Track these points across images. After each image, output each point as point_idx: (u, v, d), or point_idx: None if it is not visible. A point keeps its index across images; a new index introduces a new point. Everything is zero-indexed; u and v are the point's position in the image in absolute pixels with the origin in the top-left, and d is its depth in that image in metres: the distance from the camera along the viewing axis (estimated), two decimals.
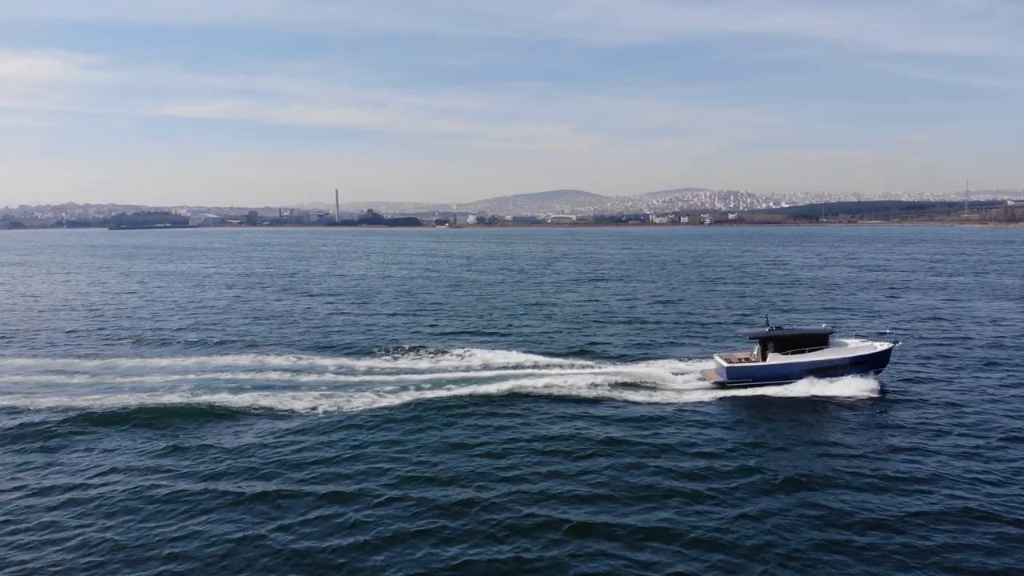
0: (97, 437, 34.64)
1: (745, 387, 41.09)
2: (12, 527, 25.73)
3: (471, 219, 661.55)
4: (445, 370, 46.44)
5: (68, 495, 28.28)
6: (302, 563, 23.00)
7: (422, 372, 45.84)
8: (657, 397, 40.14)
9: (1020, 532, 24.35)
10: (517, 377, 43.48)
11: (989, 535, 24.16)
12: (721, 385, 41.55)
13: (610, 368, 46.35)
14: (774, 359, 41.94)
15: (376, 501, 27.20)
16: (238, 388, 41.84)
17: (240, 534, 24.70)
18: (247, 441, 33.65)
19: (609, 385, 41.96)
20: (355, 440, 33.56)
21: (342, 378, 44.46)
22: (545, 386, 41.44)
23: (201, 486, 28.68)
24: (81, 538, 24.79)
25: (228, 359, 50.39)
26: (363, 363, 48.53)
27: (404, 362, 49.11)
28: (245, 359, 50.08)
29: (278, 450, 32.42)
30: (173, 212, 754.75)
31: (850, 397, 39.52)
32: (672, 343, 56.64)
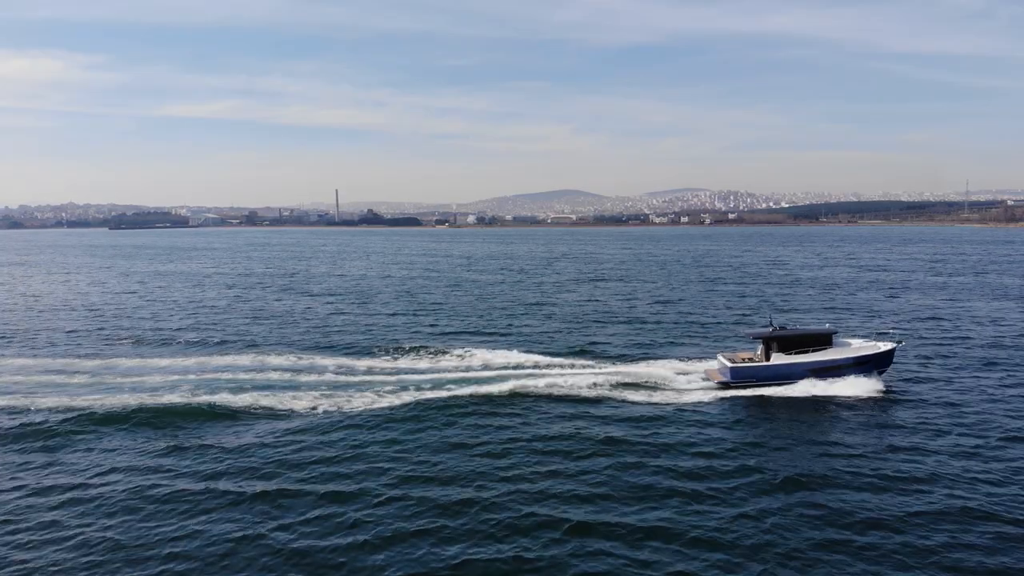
0: (97, 437, 34.68)
1: (749, 387, 41.06)
2: (13, 526, 25.76)
3: (471, 219, 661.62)
4: (445, 370, 46.47)
5: (68, 495, 28.31)
6: (302, 562, 23.03)
7: (422, 372, 45.88)
8: (657, 397, 40.15)
9: (1019, 531, 24.38)
10: (517, 377, 43.51)
11: (988, 534, 24.19)
12: (725, 385, 41.54)
13: (611, 368, 46.38)
14: (778, 359, 41.89)
15: (376, 500, 27.23)
16: (238, 388, 41.88)
17: (240, 533, 24.73)
18: (247, 441, 33.68)
19: (610, 385, 41.98)
20: (355, 440, 33.59)
21: (342, 378, 44.49)
22: (545, 386, 41.45)
23: (201, 486, 28.71)
24: (81, 537, 24.82)
25: (228, 359, 50.43)
26: (363, 363, 48.56)
27: (404, 362, 49.14)
28: (245, 359, 50.12)
29: (278, 450, 32.45)
30: (173, 212, 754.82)
31: (852, 397, 39.52)
32: (672, 343, 56.67)
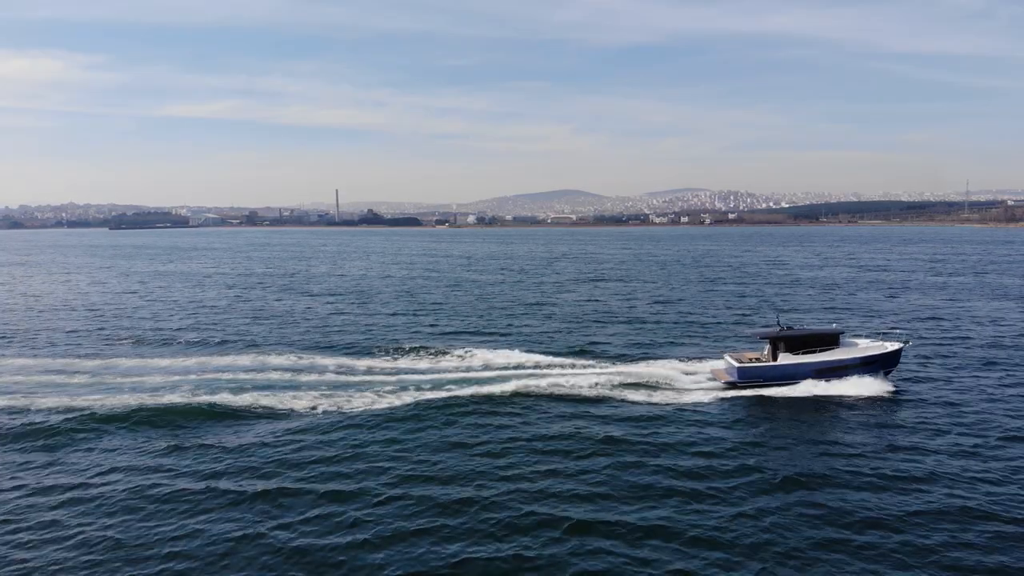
0: (98, 436, 34.71)
1: (756, 387, 40.98)
2: (13, 526, 25.80)
3: (471, 219, 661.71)
4: (445, 370, 46.50)
5: (69, 494, 28.35)
6: (302, 561, 23.07)
7: (422, 372, 45.91)
8: (657, 397, 40.14)
9: (1018, 531, 24.41)
10: (518, 377, 43.53)
11: (987, 534, 24.22)
12: (732, 385, 41.49)
13: (611, 368, 46.41)
14: (785, 359, 41.81)
15: (376, 500, 27.27)
16: (238, 388, 41.91)
17: (241, 532, 24.77)
18: (247, 440, 33.73)
19: (611, 385, 42.01)
20: (355, 439, 33.63)
21: (342, 378, 44.53)
22: (545, 386, 41.46)
23: (202, 485, 28.75)
24: (82, 537, 24.86)
25: (228, 359, 50.47)
26: (363, 363, 48.60)
27: (404, 362, 49.17)
28: (245, 359, 50.16)
29: (278, 449, 32.49)
30: (173, 212, 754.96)
31: (852, 397, 39.53)
32: (672, 343, 56.71)
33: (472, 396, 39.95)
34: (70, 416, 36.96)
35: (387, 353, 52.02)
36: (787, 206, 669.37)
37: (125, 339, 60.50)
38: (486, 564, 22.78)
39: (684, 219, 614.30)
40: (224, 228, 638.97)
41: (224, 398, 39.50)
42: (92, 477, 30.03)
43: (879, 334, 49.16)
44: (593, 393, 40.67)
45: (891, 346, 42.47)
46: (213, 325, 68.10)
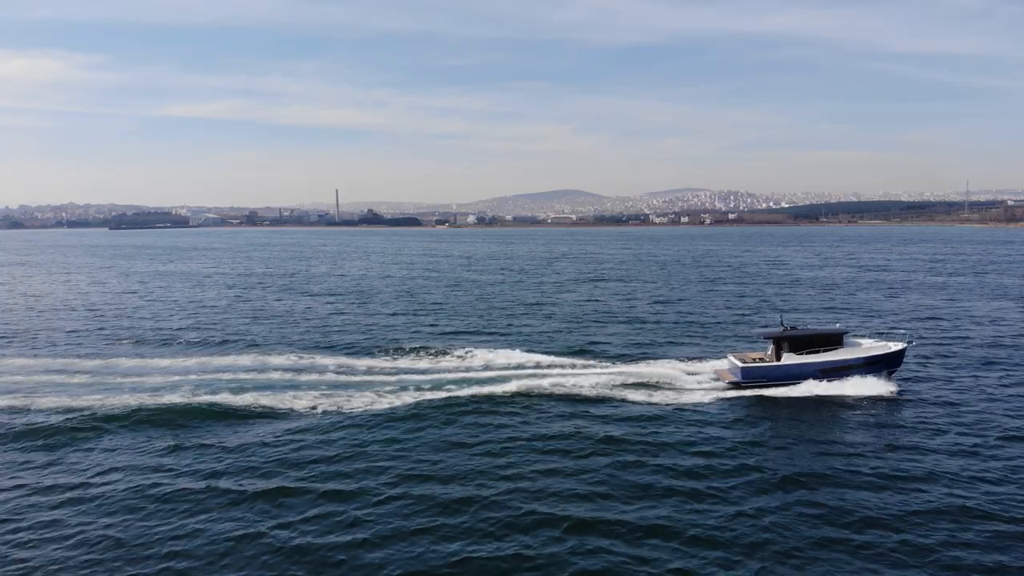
0: (98, 436, 34.74)
1: (760, 387, 40.96)
2: (14, 525, 25.83)
3: (471, 219, 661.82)
4: (445, 370, 46.54)
5: (69, 494, 28.38)
6: (302, 560, 23.11)
7: (422, 372, 45.95)
8: (657, 397, 40.16)
9: (1017, 530, 24.45)
10: (518, 377, 43.57)
11: (986, 533, 24.26)
12: (736, 385, 41.49)
13: (612, 368, 46.45)
14: (789, 359, 41.79)
15: (376, 499, 27.31)
16: (239, 388, 41.94)
17: (241, 532, 24.81)
18: (248, 440, 33.77)
19: (611, 385, 42.04)
20: (355, 439, 33.66)
21: (342, 378, 44.57)
22: (546, 386, 41.50)
23: (202, 485, 28.79)
24: (82, 536, 24.89)
25: (229, 359, 50.51)
26: (363, 363, 48.64)
27: (404, 362, 49.21)
28: (246, 359, 50.20)
29: (278, 449, 32.53)
30: (173, 212, 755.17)
31: (852, 397, 39.56)
32: (672, 343, 56.75)
33: (472, 396, 39.98)
34: (70, 416, 37.00)
35: (387, 353, 52.06)
36: (787, 206, 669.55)
37: (125, 339, 60.54)
38: (486, 563, 22.82)
39: (684, 219, 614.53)
40: (224, 228, 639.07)
41: (224, 398, 39.54)
42: (92, 477, 30.07)
43: (880, 334, 49.21)
44: (593, 393, 40.71)
45: (895, 346, 42.45)
46: (213, 325, 68.14)
